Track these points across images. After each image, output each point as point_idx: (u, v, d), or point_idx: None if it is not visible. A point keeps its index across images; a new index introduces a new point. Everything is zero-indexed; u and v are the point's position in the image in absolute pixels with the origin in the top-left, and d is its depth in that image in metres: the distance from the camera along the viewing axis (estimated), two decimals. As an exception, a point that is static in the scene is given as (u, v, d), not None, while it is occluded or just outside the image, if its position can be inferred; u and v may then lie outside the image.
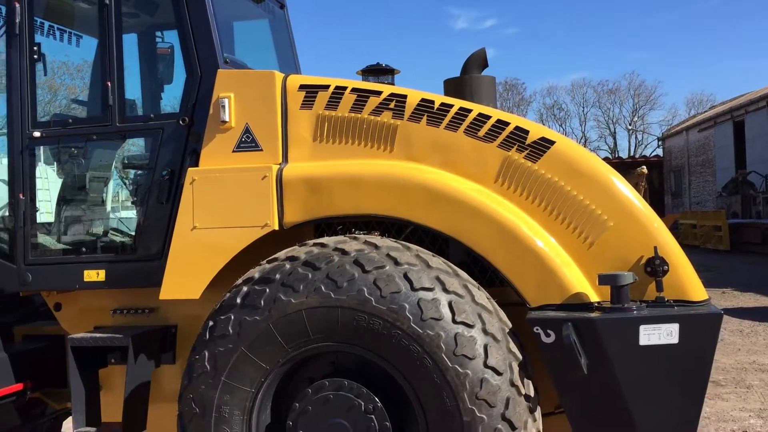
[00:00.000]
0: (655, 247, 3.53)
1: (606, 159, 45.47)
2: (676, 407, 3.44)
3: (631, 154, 59.79)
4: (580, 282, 3.55)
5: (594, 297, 3.54)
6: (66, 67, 5.61)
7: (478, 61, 4.50)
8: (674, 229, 30.69)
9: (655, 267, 3.52)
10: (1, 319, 4.57)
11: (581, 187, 3.65)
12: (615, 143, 67.31)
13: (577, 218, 3.63)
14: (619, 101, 66.86)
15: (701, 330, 3.39)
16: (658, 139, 48.16)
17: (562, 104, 69.18)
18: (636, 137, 65.90)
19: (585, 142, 66.38)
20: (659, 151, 46.27)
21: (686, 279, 3.57)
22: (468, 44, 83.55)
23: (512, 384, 3.31)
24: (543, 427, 3.75)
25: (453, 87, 4.43)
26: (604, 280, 3.46)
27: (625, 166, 37.74)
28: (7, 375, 4.34)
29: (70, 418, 5.52)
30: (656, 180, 40.84)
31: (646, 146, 64.34)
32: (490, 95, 4.43)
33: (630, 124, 64.16)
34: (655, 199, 39.17)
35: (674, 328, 3.37)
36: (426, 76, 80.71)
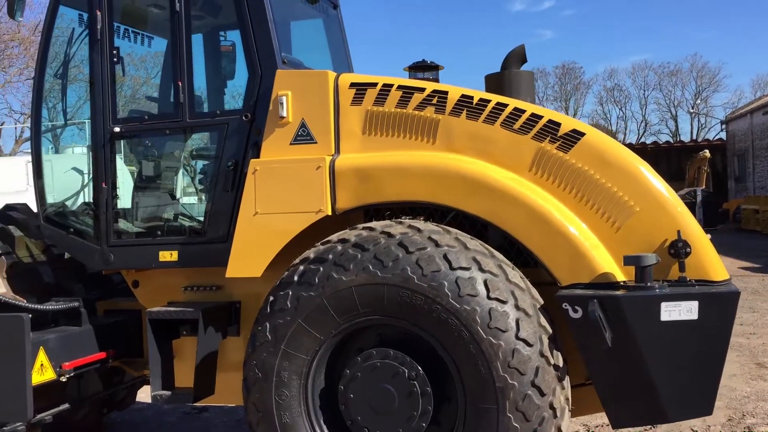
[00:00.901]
0: (678, 231, 3.80)
1: (667, 143, 44.70)
2: (696, 379, 3.73)
3: (694, 137, 58.46)
4: (607, 263, 3.85)
5: (621, 277, 3.82)
6: (131, 58, 6.04)
7: (517, 57, 4.79)
8: (736, 214, 30.12)
9: (678, 249, 3.79)
10: (86, 295, 5.09)
11: (610, 175, 3.93)
12: (677, 127, 65.93)
13: (606, 204, 3.92)
14: (681, 84, 65.38)
15: (719, 307, 3.66)
16: (722, 123, 47.02)
17: (622, 87, 68.02)
18: (698, 120, 64.41)
19: (645, 125, 65.28)
20: (722, 135, 45.22)
21: (708, 260, 3.84)
22: (526, 26, 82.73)
23: (542, 355, 3.64)
24: (576, 397, 4.08)
25: (493, 82, 4.74)
26: (628, 261, 3.75)
27: (687, 150, 37.18)
28: (92, 344, 4.85)
29: (144, 387, 6.07)
30: (719, 164, 39.98)
31: (709, 129, 62.88)
32: (529, 90, 4.73)
33: (692, 107, 62.67)
34: (718, 183, 38.38)
35: (694, 305, 3.64)
36: (483, 60, 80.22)
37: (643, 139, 58.68)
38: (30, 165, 5.11)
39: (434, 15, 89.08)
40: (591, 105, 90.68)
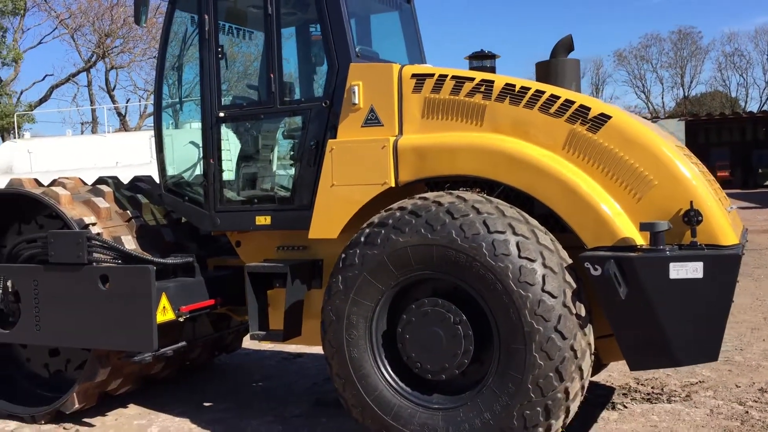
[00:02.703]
0: (691, 201, 4.35)
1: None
2: (702, 330, 4.29)
3: (821, 104, 55.06)
4: (628, 229, 4.44)
5: (639, 241, 4.41)
6: (231, 45, 6.84)
7: (564, 46, 5.38)
8: None
9: (691, 217, 4.34)
10: (199, 252, 6.10)
11: (632, 153, 4.51)
12: (803, 93, 62.12)
13: (628, 178, 4.50)
14: (810, 47, 61.44)
15: (722, 267, 4.21)
16: None
17: (743, 52, 64.70)
18: (828, 86, 60.48)
19: (769, 92, 61.87)
20: None
21: (717, 227, 4.37)
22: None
23: (564, 305, 4.30)
24: (604, 346, 4.72)
25: (542, 69, 5.36)
26: (644, 227, 4.35)
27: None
28: (204, 293, 5.85)
29: (247, 337, 7.07)
30: None
31: (840, 96, 58.94)
32: (574, 76, 5.31)
33: (821, 72, 58.85)
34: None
35: (699, 265, 4.21)
36: (595, 25, 77.90)
37: (766, 107, 55.90)
38: (153, 139, 6.12)
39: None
40: (709, 72, 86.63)
